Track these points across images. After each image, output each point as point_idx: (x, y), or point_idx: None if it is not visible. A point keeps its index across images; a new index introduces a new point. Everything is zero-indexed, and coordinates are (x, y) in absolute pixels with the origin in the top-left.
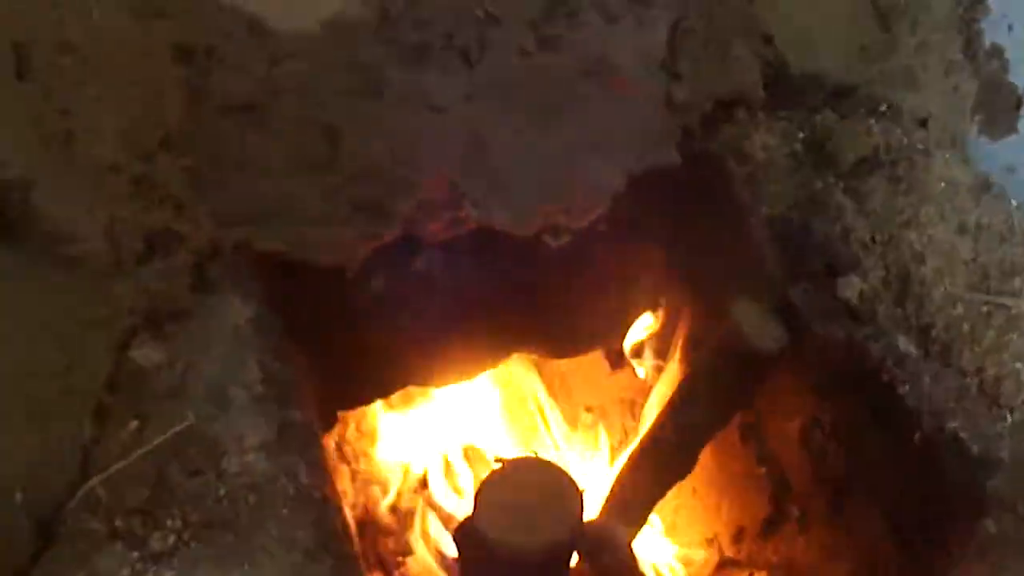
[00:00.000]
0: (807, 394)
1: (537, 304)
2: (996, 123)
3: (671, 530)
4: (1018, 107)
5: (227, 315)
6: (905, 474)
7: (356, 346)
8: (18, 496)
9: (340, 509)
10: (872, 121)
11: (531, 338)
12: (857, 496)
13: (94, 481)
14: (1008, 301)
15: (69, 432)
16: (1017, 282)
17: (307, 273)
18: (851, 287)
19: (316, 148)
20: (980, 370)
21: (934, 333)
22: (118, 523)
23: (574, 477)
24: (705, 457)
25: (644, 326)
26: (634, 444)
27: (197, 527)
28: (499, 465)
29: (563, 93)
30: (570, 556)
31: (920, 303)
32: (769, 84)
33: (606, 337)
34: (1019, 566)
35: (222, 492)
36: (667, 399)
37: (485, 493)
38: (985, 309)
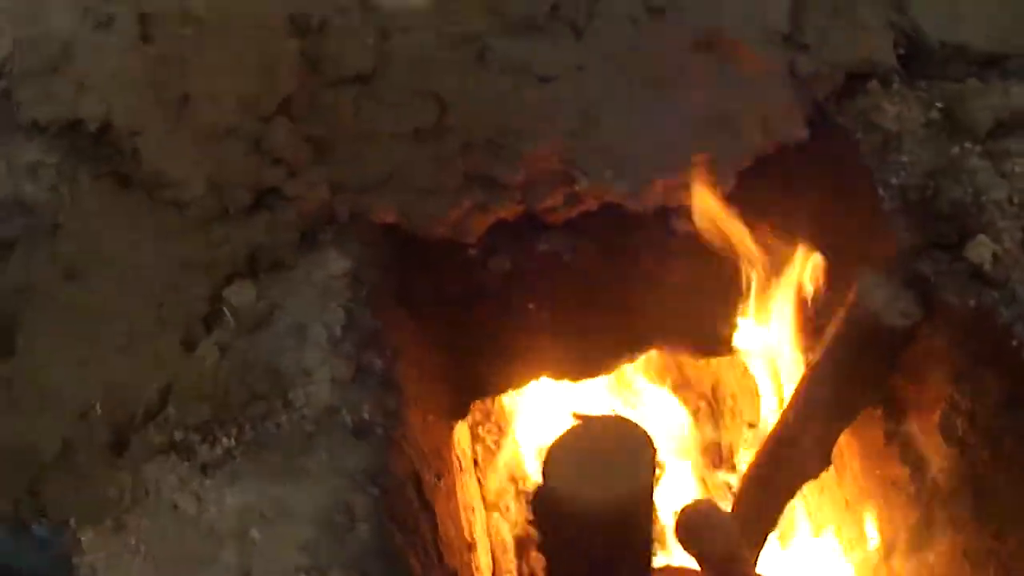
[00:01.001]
0: (943, 376)
1: (669, 298)
2: None
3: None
4: None
5: (325, 269)
6: None
7: (483, 330)
8: (97, 408)
9: (405, 453)
10: (1010, 84)
11: (669, 333)
12: (1003, 492)
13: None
14: None
15: (155, 358)
16: None
17: (426, 246)
18: (982, 249)
19: (427, 117)
20: None
21: None
22: (178, 436)
23: (647, 430)
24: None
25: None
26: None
27: (249, 445)
28: (575, 422)
29: (678, 64)
30: (648, 512)
31: None
32: (905, 54)
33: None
34: None
35: (282, 418)
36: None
37: (556, 451)
38: None
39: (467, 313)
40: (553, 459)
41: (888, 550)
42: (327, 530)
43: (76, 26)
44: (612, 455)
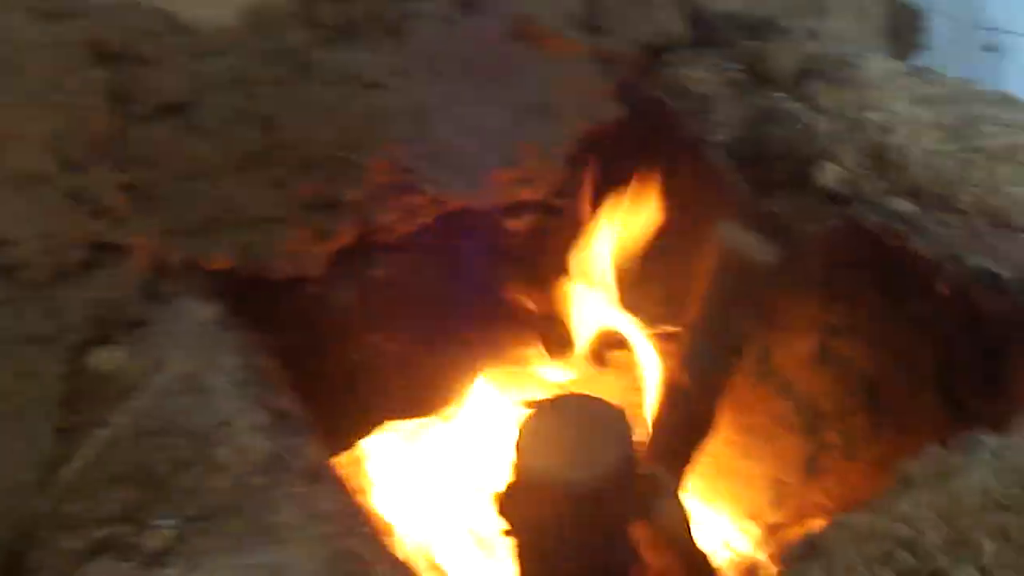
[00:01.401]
0: (814, 305)
1: (507, 304)
2: (904, 43)
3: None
4: (919, 24)
5: (189, 316)
6: (942, 336)
7: (333, 375)
8: None
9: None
10: (798, 39)
11: (509, 343)
12: (897, 389)
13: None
14: (985, 144)
15: (28, 453)
16: (987, 127)
17: (267, 289)
18: (829, 173)
19: (254, 141)
20: (982, 206)
21: (926, 189)
22: (99, 534)
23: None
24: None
25: None
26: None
27: (195, 519)
28: (531, 410)
29: (496, 57)
30: (629, 486)
31: (902, 168)
32: (691, 25)
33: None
34: None
35: (220, 478)
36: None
37: (526, 439)
38: (966, 158)
39: (315, 358)
40: (526, 447)
41: (781, 488)
42: None
43: None
44: (587, 433)
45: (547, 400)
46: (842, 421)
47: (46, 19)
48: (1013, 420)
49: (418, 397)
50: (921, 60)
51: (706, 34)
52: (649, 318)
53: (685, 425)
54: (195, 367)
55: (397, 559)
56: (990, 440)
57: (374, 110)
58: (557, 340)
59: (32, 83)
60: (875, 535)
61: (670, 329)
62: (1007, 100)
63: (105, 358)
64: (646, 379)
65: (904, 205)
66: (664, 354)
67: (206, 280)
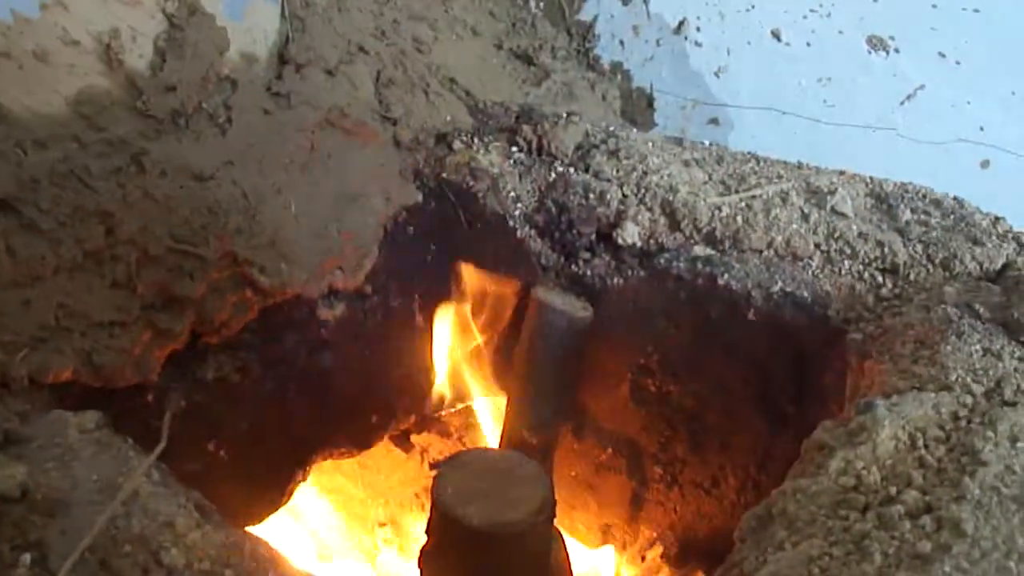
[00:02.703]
0: (624, 351)
1: (329, 392)
2: (636, 122)
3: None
4: (650, 104)
5: (70, 425)
6: (755, 357)
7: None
8: None
9: None
10: (572, 120)
11: (331, 435)
12: (716, 412)
13: None
14: (757, 192)
15: None
16: (752, 179)
17: (111, 396)
18: (630, 232)
19: (93, 239)
20: (770, 242)
21: (719, 235)
22: None
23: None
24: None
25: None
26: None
27: None
28: (435, 471)
29: (311, 144)
30: (550, 521)
31: (694, 220)
32: (471, 115)
33: (406, 410)
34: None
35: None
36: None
37: (448, 493)
38: (745, 204)
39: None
40: (443, 491)
41: (608, 531)
42: None
43: None
44: (507, 479)
45: (452, 458)
46: (664, 453)
47: None
48: (838, 409)
49: (253, 505)
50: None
51: (484, 123)
52: (481, 385)
53: None
54: (110, 474)
55: None
56: (883, 402)
57: (208, 202)
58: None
59: None
60: (822, 491)
61: (500, 393)
62: (755, 158)
63: (3, 477)
64: (489, 438)
65: (705, 251)
66: (502, 415)
67: (54, 393)
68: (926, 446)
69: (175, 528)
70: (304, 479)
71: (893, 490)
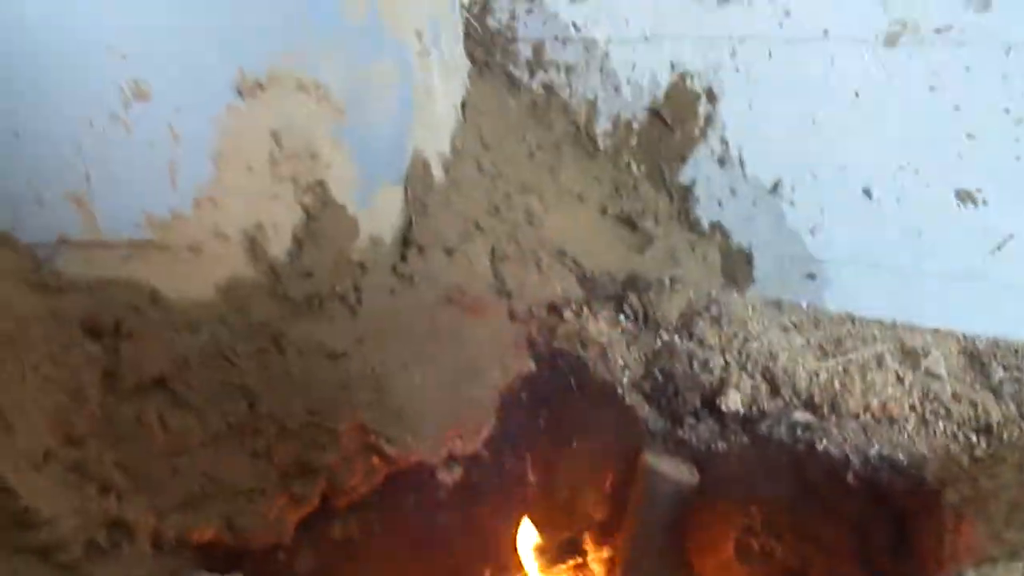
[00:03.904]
0: (727, 511)
1: (445, 548)
2: (736, 279)
3: None
4: (749, 261)
5: None
6: (855, 518)
7: None
8: None
9: None
10: (675, 288)
11: None
12: (819, 569)
13: None
14: (853, 356)
15: None
16: (848, 342)
17: (248, 555)
18: (733, 399)
19: (236, 414)
20: (867, 406)
21: (816, 399)
22: None
23: None
24: None
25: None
26: None
27: None
28: None
29: (431, 322)
30: None
31: (794, 386)
32: (580, 285)
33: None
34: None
35: None
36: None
37: None
38: (842, 369)
39: None
40: None
41: None
42: None
43: None
44: None
45: None
46: None
47: (42, 294)
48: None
49: None
50: (750, 292)
51: (593, 292)
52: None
53: None
54: None
55: None
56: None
57: (340, 378)
58: None
59: (33, 358)
60: None
61: (602, 552)
62: (851, 319)
63: None
64: None
65: (804, 416)
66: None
67: (197, 552)
68: None
69: None
70: None
71: None
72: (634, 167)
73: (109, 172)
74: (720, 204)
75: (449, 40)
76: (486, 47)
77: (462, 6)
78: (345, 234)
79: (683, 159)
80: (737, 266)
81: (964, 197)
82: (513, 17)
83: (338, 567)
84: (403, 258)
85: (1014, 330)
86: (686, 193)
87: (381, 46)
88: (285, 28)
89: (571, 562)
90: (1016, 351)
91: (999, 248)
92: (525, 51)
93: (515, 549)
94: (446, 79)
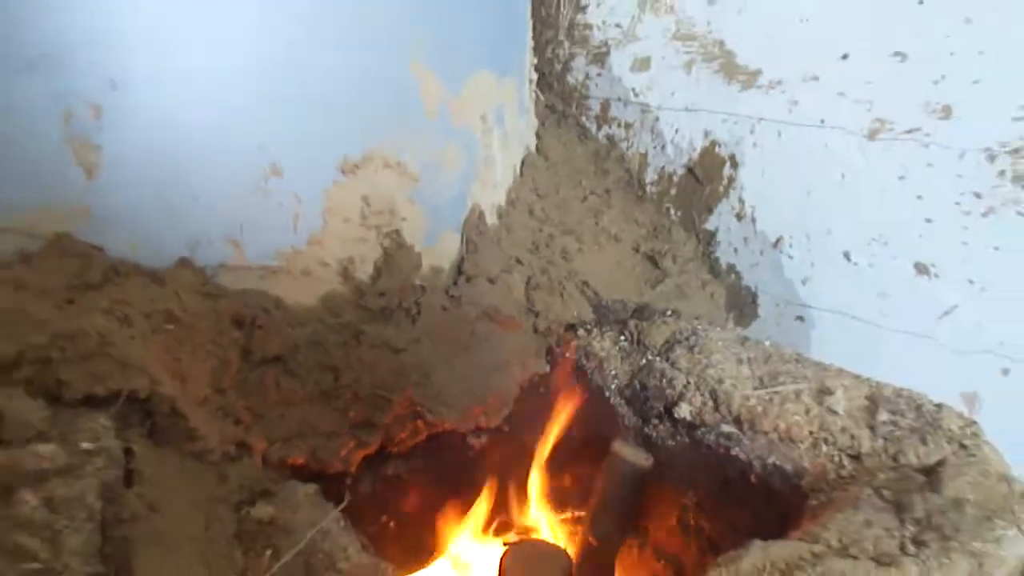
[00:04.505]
0: (674, 493)
1: (472, 494)
2: (743, 314)
3: None
4: (754, 300)
5: (300, 489)
6: (753, 508)
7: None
8: None
9: None
10: (665, 320)
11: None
12: (727, 540)
13: None
14: (780, 389)
15: (226, 565)
16: (783, 378)
17: (324, 477)
18: (683, 410)
19: (325, 384)
20: (776, 427)
21: (743, 418)
22: None
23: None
24: (625, 572)
25: None
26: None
27: None
28: (508, 547)
29: (471, 331)
30: None
31: (729, 405)
32: (593, 310)
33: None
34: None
35: (345, 569)
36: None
37: (508, 564)
38: (768, 397)
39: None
40: (509, 563)
41: None
42: None
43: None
44: (544, 557)
45: (516, 542)
46: (697, 570)
47: (208, 298)
48: None
49: (415, 560)
50: (755, 325)
51: (604, 316)
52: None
53: (594, 572)
54: (318, 518)
55: None
56: (761, 543)
57: (399, 366)
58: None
59: (200, 340)
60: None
61: (580, 513)
62: (799, 359)
63: (262, 510)
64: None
65: (730, 428)
66: (575, 524)
67: (291, 471)
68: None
69: (347, 551)
70: (442, 554)
71: None
72: (672, 212)
73: (254, 223)
74: (736, 250)
75: (513, 115)
76: (564, 100)
77: (530, 81)
78: (412, 266)
79: (710, 210)
80: (745, 303)
81: (921, 269)
82: (587, 77)
83: (387, 494)
84: (455, 283)
85: (949, 385)
86: (710, 238)
87: (449, 132)
88: (377, 125)
89: (566, 514)
90: (911, 399)
91: (946, 314)
92: (594, 107)
93: (526, 495)
94: (505, 148)
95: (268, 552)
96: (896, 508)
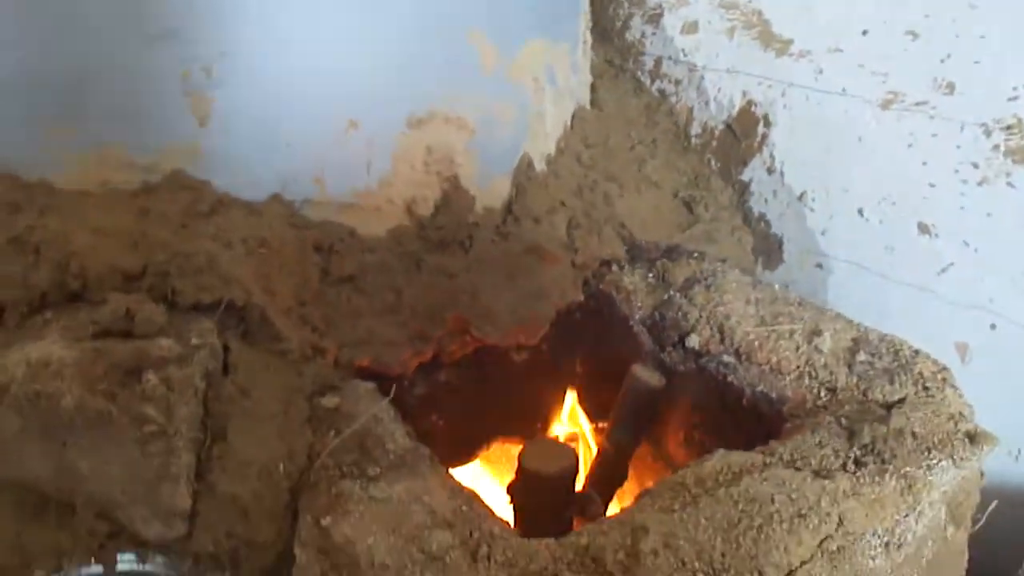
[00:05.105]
0: (684, 412)
1: (511, 402)
2: (770, 259)
3: None
4: (780, 247)
5: (361, 387)
6: (745, 427)
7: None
8: (280, 467)
9: None
10: (689, 260)
11: (509, 426)
12: None
13: (324, 454)
14: (777, 328)
15: (299, 439)
16: (782, 319)
17: (384, 377)
18: (693, 340)
19: (389, 301)
20: (768, 360)
21: (742, 350)
22: (344, 470)
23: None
24: (634, 478)
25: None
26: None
27: (387, 467)
28: (528, 443)
29: (517, 263)
30: (574, 481)
31: (732, 339)
32: (628, 249)
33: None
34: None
35: (391, 449)
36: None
37: (527, 456)
38: (766, 334)
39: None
40: (525, 456)
41: None
42: None
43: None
44: (554, 453)
45: (535, 440)
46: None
47: (295, 228)
48: None
49: (457, 454)
50: (781, 269)
51: (637, 254)
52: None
53: (609, 473)
54: (376, 410)
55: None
56: (723, 451)
57: (453, 289)
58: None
59: (285, 264)
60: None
61: (602, 424)
62: (801, 302)
63: (329, 400)
64: (591, 446)
65: (729, 358)
66: (598, 433)
67: (356, 372)
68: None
69: (395, 435)
70: (487, 449)
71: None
72: (712, 163)
73: (334, 166)
74: (766, 201)
75: (565, 75)
76: (623, 55)
77: (584, 42)
78: (467, 206)
79: (745, 163)
80: (772, 249)
81: (923, 228)
82: (643, 35)
83: (439, 397)
84: (504, 222)
85: (944, 334)
86: (744, 189)
87: (503, 92)
88: (440, 86)
89: (596, 424)
90: (890, 343)
91: (943, 271)
92: (649, 63)
93: (562, 405)
94: (556, 103)
95: (332, 432)
96: (848, 434)
